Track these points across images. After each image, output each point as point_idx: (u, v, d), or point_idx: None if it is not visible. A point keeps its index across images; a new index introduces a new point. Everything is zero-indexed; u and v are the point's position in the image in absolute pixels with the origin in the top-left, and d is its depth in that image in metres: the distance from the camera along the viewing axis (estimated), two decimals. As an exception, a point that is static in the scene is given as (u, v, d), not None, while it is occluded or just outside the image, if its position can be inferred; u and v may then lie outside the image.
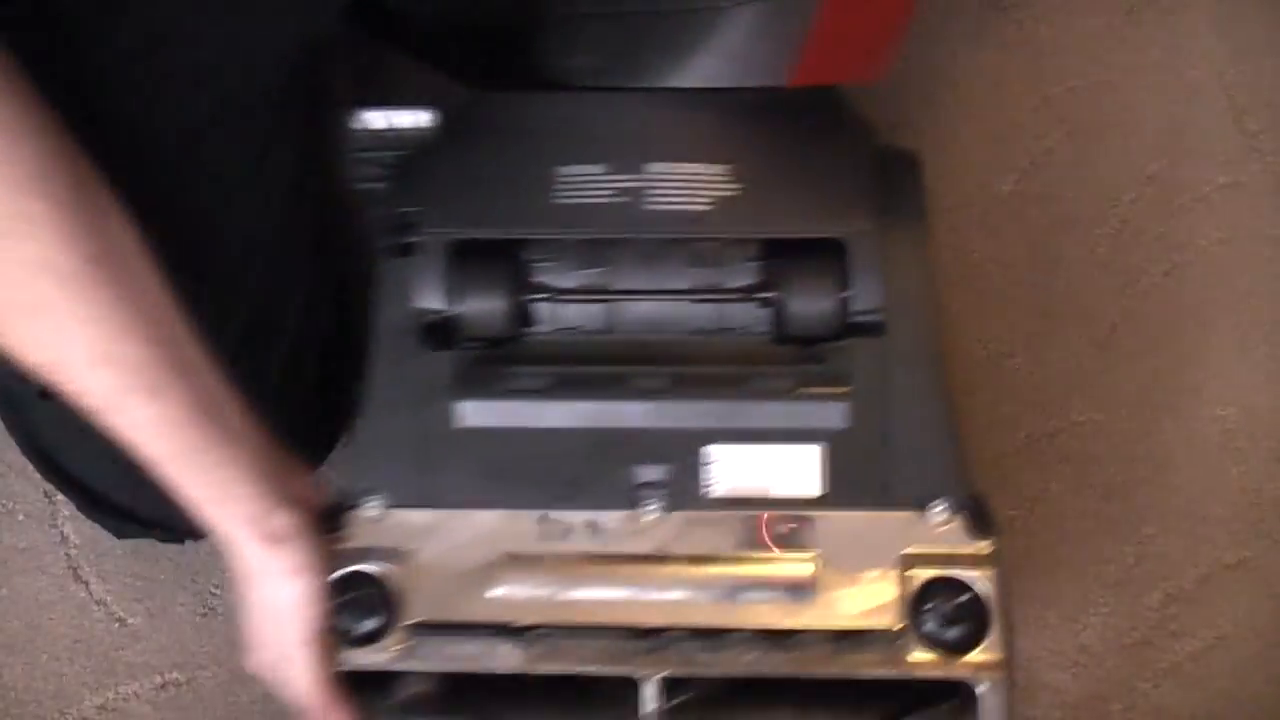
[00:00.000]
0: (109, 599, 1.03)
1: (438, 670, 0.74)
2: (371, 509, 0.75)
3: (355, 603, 0.73)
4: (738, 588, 0.73)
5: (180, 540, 1.00)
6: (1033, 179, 1.12)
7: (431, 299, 0.77)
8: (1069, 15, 1.15)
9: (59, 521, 1.04)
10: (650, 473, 0.74)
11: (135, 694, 1.01)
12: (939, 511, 0.74)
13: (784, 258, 0.77)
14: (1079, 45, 1.15)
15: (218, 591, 1.03)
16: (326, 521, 0.75)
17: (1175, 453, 1.06)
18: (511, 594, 0.73)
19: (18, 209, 0.67)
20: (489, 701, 0.75)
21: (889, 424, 0.75)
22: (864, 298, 0.76)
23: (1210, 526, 1.05)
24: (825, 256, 0.77)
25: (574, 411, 0.75)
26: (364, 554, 0.74)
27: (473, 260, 0.77)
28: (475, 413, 0.75)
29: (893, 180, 0.79)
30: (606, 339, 0.78)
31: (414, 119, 0.83)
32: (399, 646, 0.73)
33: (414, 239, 0.77)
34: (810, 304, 0.77)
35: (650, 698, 0.72)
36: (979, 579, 0.72)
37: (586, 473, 0.74)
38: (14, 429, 0.92)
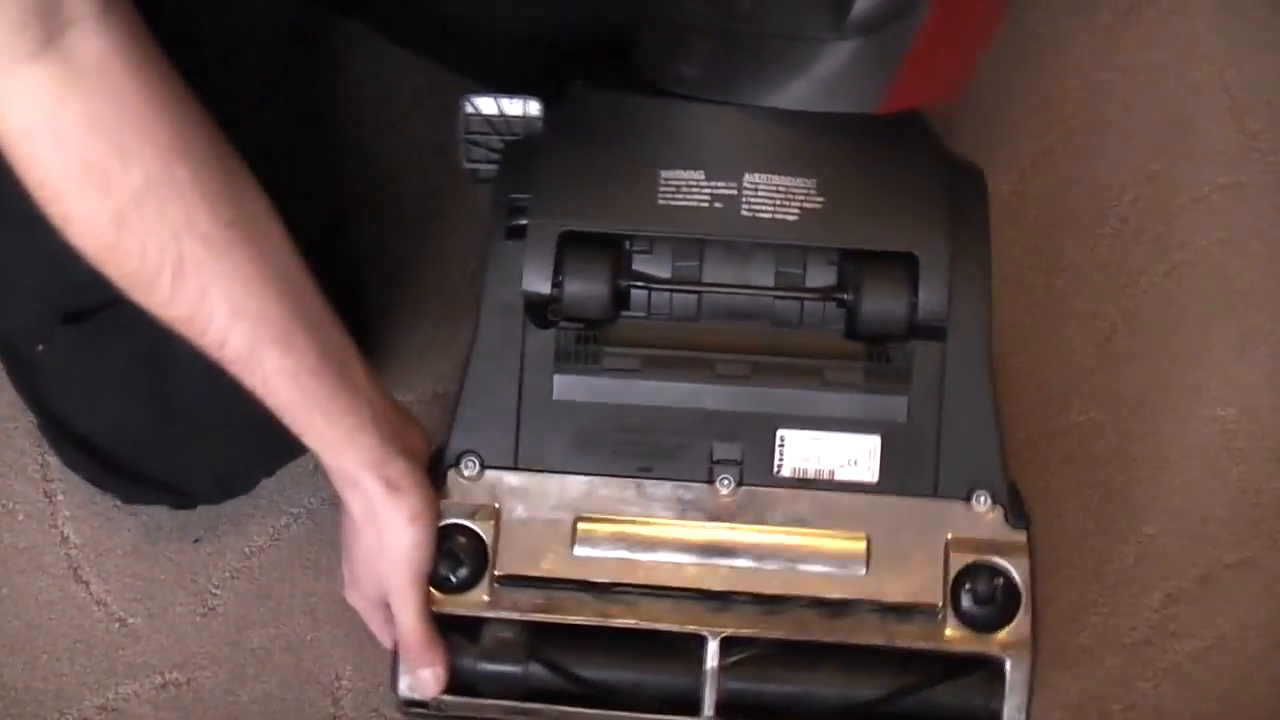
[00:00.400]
0: (109, 599, 1.03)
1: (522, 619, 0.81)
2: (470, 468, 0.82)
3: (451, 553, 0.80)
4: (797, 560, 0.81)
5: (192, 505, 1.00)
6: (1033, 179, 1.13)
7: (539, 282, 0.83)
8: (1069, 15, 1.15)
9: (59, 521, 1.04)
10: (727, 450, 0.82)
11: (135, 694, 1.01)
12: (981, 502, 0.81)
13: (860, 263, 0.84)
14: (1079, 45, 1.15)
15: (218, 591, 1.03)
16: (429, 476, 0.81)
17: (1175, 453, 1.07)
18: (593, 554, 0.81)
19: (165, 173, 0.72)
20: (565, 650, 0.81)
21: (942, 420, 0.82)
22: (929, 305, 0.83)
23: (1210, 526, 1.05)
24: (897, 266, 0.83)
25: (661, 390, 0.82)
26: (461, 509, 0.81)
27: (578, 249, 0.83)
28: (571, 387, 0.82)
29: (961, 196, 0.86)
30: (695, 326, 0.85)
31: (522, 107, 0.88)
32: (488, 596, 0.80)
33: (524, 223, 0.83)
34: (881, 307, 0.83)
35: (712, 654, 0.79)
36: (1013, 565, 0.80)
37: (669, 447, 0.82)
38: (21, 388, 0.95)
